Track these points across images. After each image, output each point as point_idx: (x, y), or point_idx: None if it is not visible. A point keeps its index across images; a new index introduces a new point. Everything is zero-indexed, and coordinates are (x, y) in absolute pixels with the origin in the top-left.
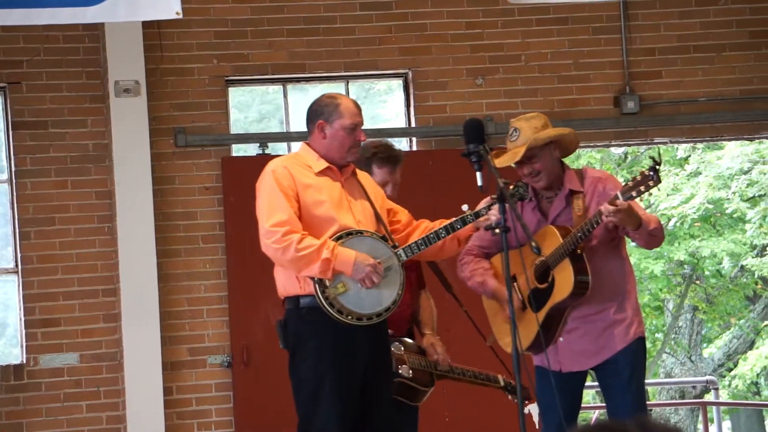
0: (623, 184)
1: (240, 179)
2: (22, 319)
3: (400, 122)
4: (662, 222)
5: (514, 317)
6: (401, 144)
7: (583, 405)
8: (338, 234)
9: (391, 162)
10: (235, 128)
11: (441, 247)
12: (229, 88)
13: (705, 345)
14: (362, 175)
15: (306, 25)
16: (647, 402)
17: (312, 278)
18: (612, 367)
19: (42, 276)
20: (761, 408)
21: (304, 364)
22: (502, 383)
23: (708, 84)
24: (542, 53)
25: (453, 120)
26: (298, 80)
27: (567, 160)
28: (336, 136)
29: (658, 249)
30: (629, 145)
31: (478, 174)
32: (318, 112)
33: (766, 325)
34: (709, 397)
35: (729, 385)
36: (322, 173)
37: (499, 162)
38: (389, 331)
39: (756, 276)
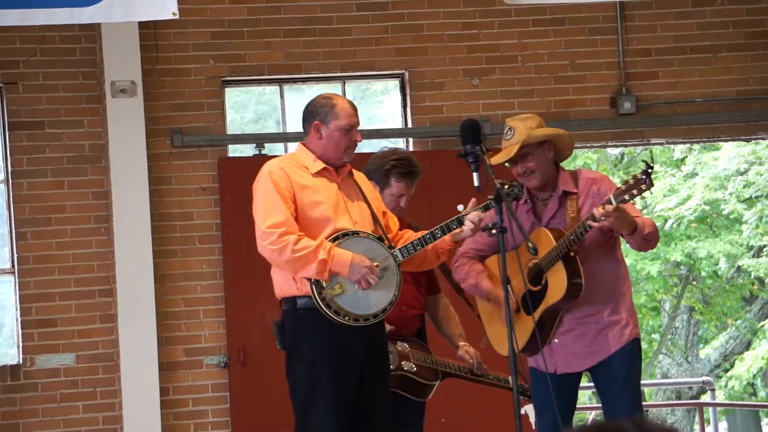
0: (617, 186)
1: (236, 180)
2: (19, 319)
3: (397, 123)
4: (659, 223)
5: (510, 318)
6: (398, 145)
7: (580, 406)
8: (335, 235)
9: (410, 176)
10: (231, 129)
11: (423, 258)
12: (226, 89)
13: (701, 346)
14: (359, 175)
15: (302, 26)
16: (644, 403)
17: (309, 279)
18: (607, 369)
19: (38, 276)
20: (758, 409)
21: (300, 365)
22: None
23: (704, 85)
24: (539, 54)
25: (450, 120)
26: (294, 81)
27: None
28: (332, 137)
29: (654, 250)
30: (626, 146)
31: (474, 175)
32: (314, 112)
33: (762, 326)
34: (706, 397)
35: (725, 386)
36: (318, 174)
37: (493, 160)
38: (390, 328)
39: (752, 277)
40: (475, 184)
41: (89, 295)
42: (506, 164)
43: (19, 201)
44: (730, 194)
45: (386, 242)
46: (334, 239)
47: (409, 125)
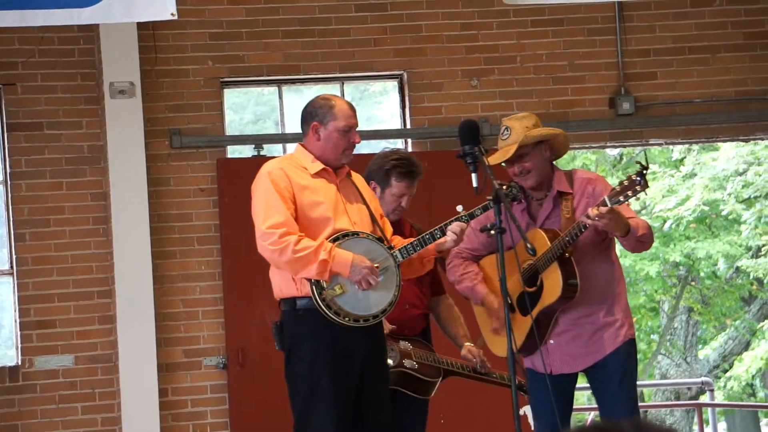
0: (612, 186)
1: (235, 181)
2: (17, 320)
3: (395, 123)
4: (657, 224)
5: (509, 319)
6: (396, 145)
7: (578, 406)
8: (335, 235)
9: (410, 176)
10: (230, 129)
11: (408, 266)
12: (224, 90)
13: (700, 346)
14: (357, 177)
15: (301, 27)
16: (642, 403)
17: (309, 280)
18: (602, 370)
19: (37, 277)
20: (756, 409)
21: (300, 366)
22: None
23: (703, 85)
24: (537, 54)
25: (448, 121)
26: (293, 81)
27: (562, 161)
28: (330, 138)
29: (653, 250)
30: (624, 147)
31: (473, 175)
32: (312, 113)
33: (761, 327)
34: (705, 398)
35: (724, 387)
36: (317, 175)
37: (491, 160)
38: (391, 328)
39: (751, 277)
40: (474, 184)
41: (88, 296)
42: (502, 164)
43: (17, 202)
44: (729, 195)
45: (386, 243)
46: (335, 240)
47: (408, 126)
